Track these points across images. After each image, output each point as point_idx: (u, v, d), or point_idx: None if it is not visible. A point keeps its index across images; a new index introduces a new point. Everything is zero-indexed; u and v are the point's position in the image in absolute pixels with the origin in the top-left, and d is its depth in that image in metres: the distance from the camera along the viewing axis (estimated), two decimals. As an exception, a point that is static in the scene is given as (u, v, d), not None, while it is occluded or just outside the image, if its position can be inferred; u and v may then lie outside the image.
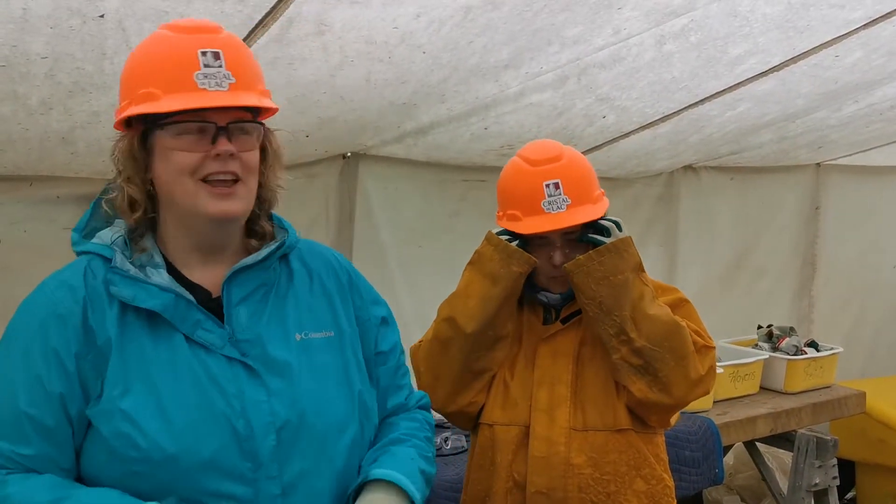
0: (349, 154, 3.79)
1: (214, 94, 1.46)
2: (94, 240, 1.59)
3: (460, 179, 4.15)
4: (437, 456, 2.42)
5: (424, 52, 2.67)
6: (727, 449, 4.45)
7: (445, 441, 3.31)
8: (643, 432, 2.19)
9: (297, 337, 1.61)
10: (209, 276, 1.59)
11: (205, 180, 1.50)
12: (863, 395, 4.43)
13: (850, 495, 5.18)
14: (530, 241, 2.20)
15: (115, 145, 1.56)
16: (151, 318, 1.51)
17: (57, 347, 1.50)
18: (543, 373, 2.20)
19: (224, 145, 1.49)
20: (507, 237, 2.20)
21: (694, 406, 3.87)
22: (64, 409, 1.49)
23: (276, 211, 1.74)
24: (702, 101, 3.67)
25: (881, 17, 3.06)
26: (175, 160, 1.49)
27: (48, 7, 1.98)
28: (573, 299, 2.22)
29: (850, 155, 5.47)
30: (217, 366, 1.52)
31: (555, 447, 2.15)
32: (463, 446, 3.29)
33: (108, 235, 1.57)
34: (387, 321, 1.81)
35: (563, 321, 2.24)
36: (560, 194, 2.13)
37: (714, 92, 3.59)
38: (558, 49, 2.89)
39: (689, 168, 5.05)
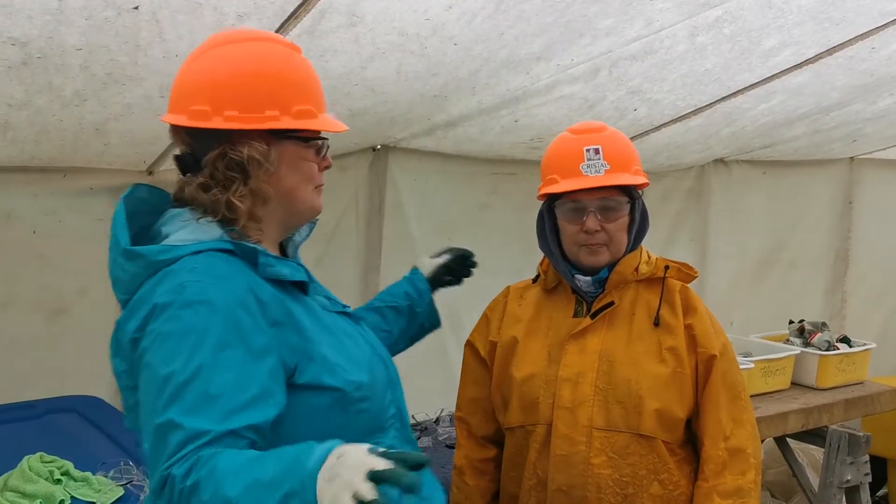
0: (379, 146, 3.80)
1: (331, 118, 1.70)
2: (183, 240, 1.60)
3: (490, 172, 4.15)
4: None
5: (456, 44, 2.67)
6: (757, 445, 4.41)
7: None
8: (669, 442, 2.17)
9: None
10: None
11: (317, 186, 1.74)
12: (895, 392, 4.38)
13: (881, 492, 5.12)
14: (564, 209, 2.19)
15: (250, 148, 1.60)
16: (289, 289, 1.65)
17: (260, 324, 1.53)
18: (569, 370, 2.18)
19: (328, 160, 1.75)
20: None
21: (724, 401, 3.85)
22: (281, 377, 1.54)
23: None
24: (734, 94, 3.64)
25: (919, 7, 3.02)
26: (306, 169, 1.69)
27: (83, -1, 2.00)
28: (604, 290, 2.22)
29: (885, 149, 5.40)
30: (338, 319, 1.74)
31: (575, 446, 2.14)
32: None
33: (207, 234, 1.60)
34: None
35: (593, 315, 2.22)
36: (600, 159, 2.13)
37: (747, 84, 3.55)
38: (590, 41, 2.87)
39: (720, 161, 5.01)
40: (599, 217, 2.15)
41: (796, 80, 3.54)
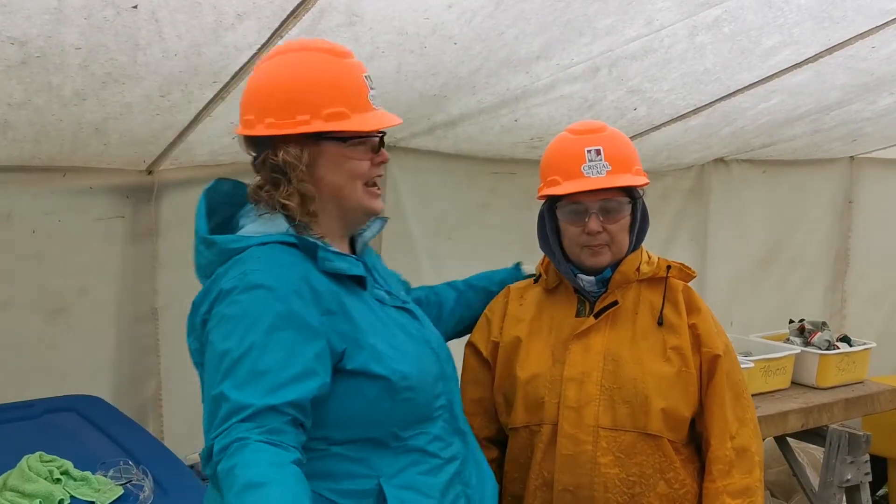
0: (379, 146, 3.79)
1: (382, 113, 1.80)
2: (254, 232, 1.76)
3: (490, 172, 4.15)
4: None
5: (456, 44, 2.67)
6: (757, 444, 4.41)
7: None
8: (674, 441, 2.16)
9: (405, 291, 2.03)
10: None
11: (366, 184, 1.82)
12: (895, 391, 4.37)
13: (881, 492, 5.12)
14: (565, 210, 2.19)
15: (284, 153, 1.73)
16: (346, 282, 1.77)
17: (311, 311, 1.67)
18: (574, 370, 2.17)
19: (384, 156, 1.83)
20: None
21: (724, 400, 3.85)
22: (327, 360, 1.66)
23: None
24: (734, 93, 3.63)
25: (920, 6, 3.01)
26: (353, 168, 1.79)
27: (83, -2, 2.00)
28: (607, 289, 2.21)
29: (885, 148, 5.40)
30: (394, 313, 1.85)
31: (582, 445, 2.14)
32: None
33: (275, 227, 1.76)
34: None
35: (597, 315, 2.21)
36: (601, 160, 2.13)
37: (747, 84, 3.55)
38: (590, 40, 2.87)
39: (720, 161, 5.01)
40: (601, 218, 2.15)
41: (796, 79, 3.54)
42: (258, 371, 1.55)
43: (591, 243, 2.16)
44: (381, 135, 1.83)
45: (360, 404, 1.71)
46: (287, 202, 1.75)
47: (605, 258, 2.18)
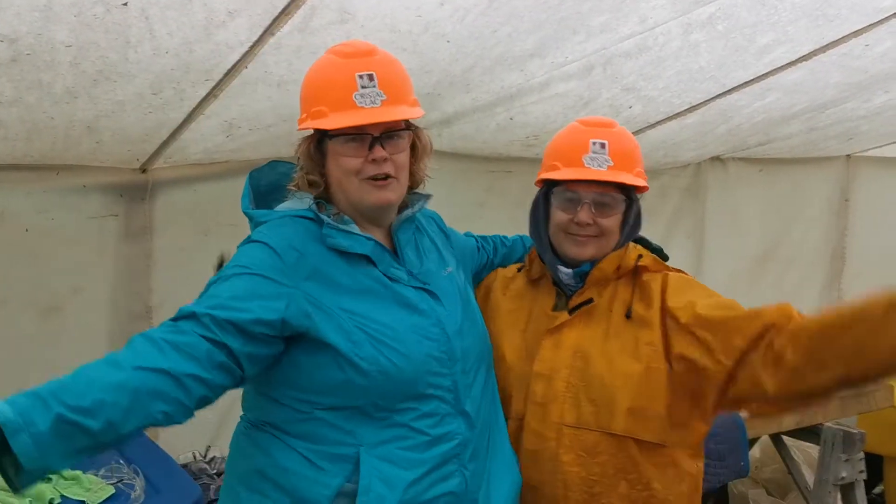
0: (374, 144, 3.79)
1: (369, 111, 1.83)
2: (285, 207, 1.96)
3: (486, 170, 4.14)
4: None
5: (449, 41, 2.66)
6: (753, 442, 4.40)
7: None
8: (648, 441, 2.09)
9: (446, 271, 2.06)
10: (378, 235, 1.97)
11: (364, 179, 1.88)
12: (891, 389, 4.36)
13: (877, 490, 5.12)
14: (559, 197, 2.16)
15: (298, 145, 1.94)
16: (353, 258, 1.89)
17: (286, 271, 1.82)
18: (543, 366, 2.14)
19: (378, 152, 1.86)
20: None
21: (719, 399, 3.84)
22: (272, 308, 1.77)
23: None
24: (729, 91, 3.64)
25: (913, 4, 3.02)
26: (342, 163, 1.88)
27: (72, -5, 1.99)
28: (584, 284, 2.18)
29: (881, 146, 5.40)
30: (409, 293, 1.92)
31: (545, 442, 2.11)
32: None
33: (302, 203, 1.93)
34: (476, 239, 2.47)
35: (571, 311, 2.18)
36: (604, 154, 2.10)
37: (742, 82, 3.55)
38: (584, 38, 2.87)
39: (716, 159, 5.00)
40: (593, 211, 2.13)
41: (791, 77, 3.54)
42: (209, 293, 1.78)
43: (577, 233, 2.14)
44: (372, 133, 1.86)
45: (335, 375, 1.81)
46: (306, 186, 1.93)
47: (588, 251, 2.15)
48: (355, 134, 1.85)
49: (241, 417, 2.01)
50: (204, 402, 1.70)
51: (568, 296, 2.20)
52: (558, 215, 2.16)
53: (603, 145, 2.11)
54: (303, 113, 1.91)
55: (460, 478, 1.90)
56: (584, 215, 2.12)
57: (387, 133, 1.88)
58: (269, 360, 1.81)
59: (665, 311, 2.11)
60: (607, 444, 2.08)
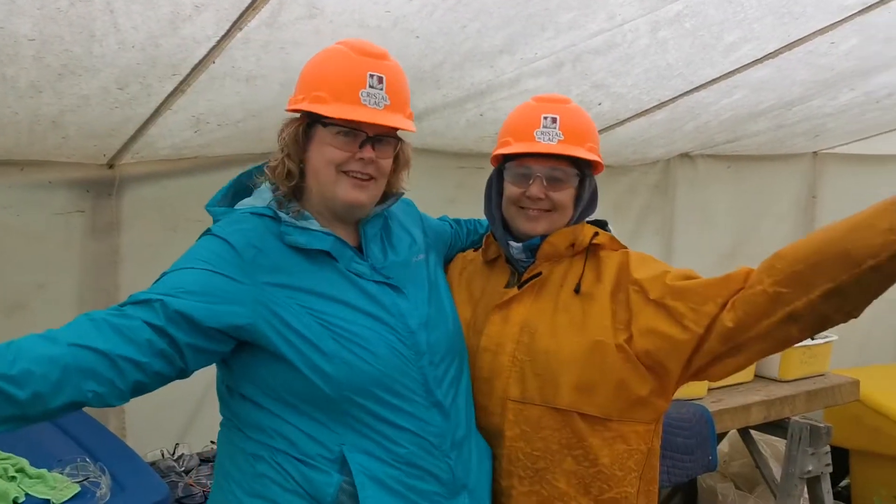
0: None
1: (372, 111, 1.85)
2: (245, 204, 1.95)
3: (456, 166, 4.14)
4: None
5: (418, 37, 2.66)
6: (721, 436, 4.45)
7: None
8: (596, 416, 2.06)
9: (417, 258, 2.08)
10: (342, 231, 1.98)
11: (345, 172, 1.89)
12: (857, 384, 4.43)
13: (843, 483, 5.18)
14: (512, 172, 2.16)
15: (283, 126, 1.94)
16: (313, 254, 1.89)
17: (239, 266, 1.82)
18: (489, 340, 2.13)
19: (368, 152, 1.89)
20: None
21: (688, 393, 3.87)
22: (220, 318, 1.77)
23: None
24: (697, 89, 3.66)
25: (877, 2, 3.04)
26: (327, 153, 1.89)
27: (36, -12, 1.97)
28: (535, 259, 2.16)
29: (847, 143, 5.46)
30: (371, 287, 1.92)
31: (491, 417, 2.10)
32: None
33: (261, 201, 1.94)
34: (451, 224, 2.43)
35: (521, 285, 2.16)
36: (555, 128, 2.11)
37: (709, 79, 3.57)
38: (553, 35, 2.87)
39: (685, 156, 5.04)
40: (545, 185, 2.12)
41: (757, 74, 3.56)
42: (164, 282, 1.78)
43: (529, 206, 2.13)
44: (367, 132, 1.88)
45: (297, 378, 1.82)
46: (280, 174, 1.92)
47: (540, 226, 2.14)
48: (350, 129, 1.87)
49: (221, 424, 1.99)
50: (139, 387, 1.68)
51: (520, 273, 2.19)
52: (510, 189, 2.16)
53: (554, 119, 2.12)
54: (298, 94, 1.91)
55: (445, 467, 1.92)
56: (535, 189, 2.11)
57: (379, 136, 1.90)
58: (215, 356, 1.82)
59: (630, 284, 2.10)
60: (550, 419, 2.06)
